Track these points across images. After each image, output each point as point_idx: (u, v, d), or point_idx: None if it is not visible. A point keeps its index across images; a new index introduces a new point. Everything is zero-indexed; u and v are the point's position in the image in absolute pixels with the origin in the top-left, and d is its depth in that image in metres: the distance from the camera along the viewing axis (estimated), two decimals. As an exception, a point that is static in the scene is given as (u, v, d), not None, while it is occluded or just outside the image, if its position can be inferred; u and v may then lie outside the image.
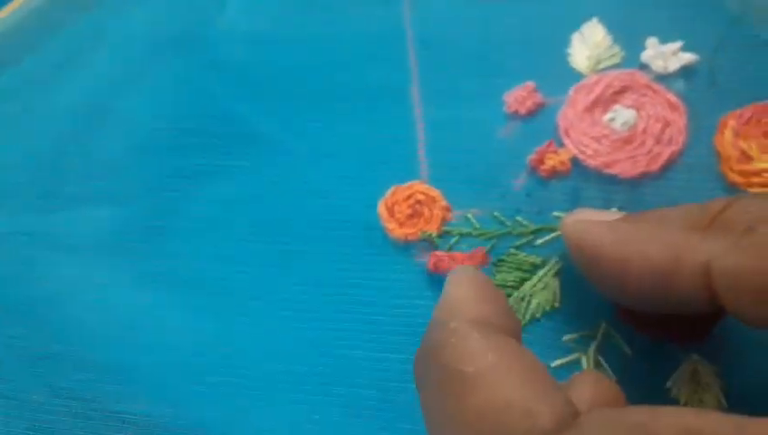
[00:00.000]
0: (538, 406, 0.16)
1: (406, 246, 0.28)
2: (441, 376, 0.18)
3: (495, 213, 0.27)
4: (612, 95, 0.29)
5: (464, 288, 0.20)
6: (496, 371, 0.17)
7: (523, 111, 0.29)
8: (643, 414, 0.15)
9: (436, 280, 0.26)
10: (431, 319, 0.20)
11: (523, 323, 0.25)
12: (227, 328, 0.27)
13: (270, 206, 0.29)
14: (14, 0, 0.32)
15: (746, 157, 0.27)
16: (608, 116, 0.28)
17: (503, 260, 0.27)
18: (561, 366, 0.25)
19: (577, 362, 0.25)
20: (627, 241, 0.20)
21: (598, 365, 0.24)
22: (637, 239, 0.20)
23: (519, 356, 0.18)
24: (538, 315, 0.26)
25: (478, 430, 0.16)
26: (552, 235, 0.27)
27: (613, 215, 0.22)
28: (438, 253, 0.27)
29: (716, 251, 0.19)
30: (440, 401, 0.17)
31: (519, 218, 0.27)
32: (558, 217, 0.27)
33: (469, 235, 0.27)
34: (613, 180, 0.27)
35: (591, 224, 0.22)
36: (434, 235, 0.27)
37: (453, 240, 0.27)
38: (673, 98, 0.28)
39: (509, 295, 0.26)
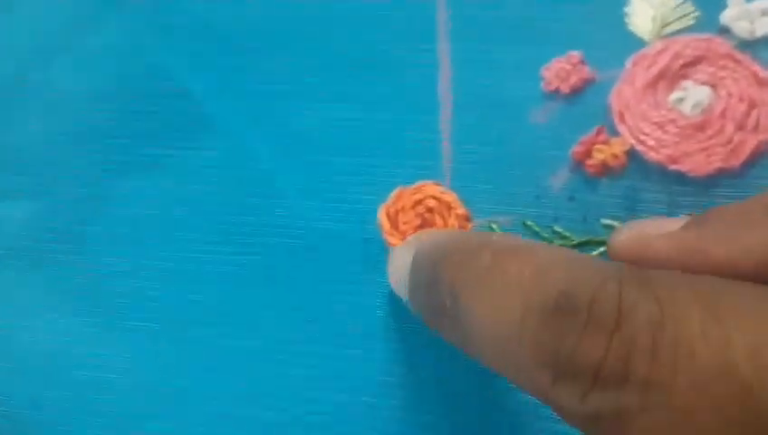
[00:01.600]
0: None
1: (412, 266, 0.25)
2: (463, 266, 0.18)
3: (528, 221, 0.25)
4: (682, 68, 0.26)
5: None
6: (529, 243, 0.19)
7: (565, 88, 0.26)
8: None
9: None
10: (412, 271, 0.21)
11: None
12: (173, 364, 0.25)
13: (232, 208, 0.26)
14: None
15: None
16: (675, 95, 0.26)
17: (536, 282, 0.24)
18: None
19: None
20: (698, 253, 0.18)
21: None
22: (711, 248, 0.18)
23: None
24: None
25: (533, 289, 0.16)
26: (601, 249, 0.24)
27: (677, 222, 0.20)
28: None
29: None
30: (477, 285, 0.18)
31: (558, 228, 0.25)
32: (609, 227, 0.24)
33: (494, 249, 0.25)
34: (681, 180, 0.25)
35: (649, 239, 0.19)
36: (448, 250, 0.25)
37: (473, 257, 0.25)
38: (762, 71, 0.26)
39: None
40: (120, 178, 0.27)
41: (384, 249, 0.25)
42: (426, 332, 0.22)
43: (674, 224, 0.20)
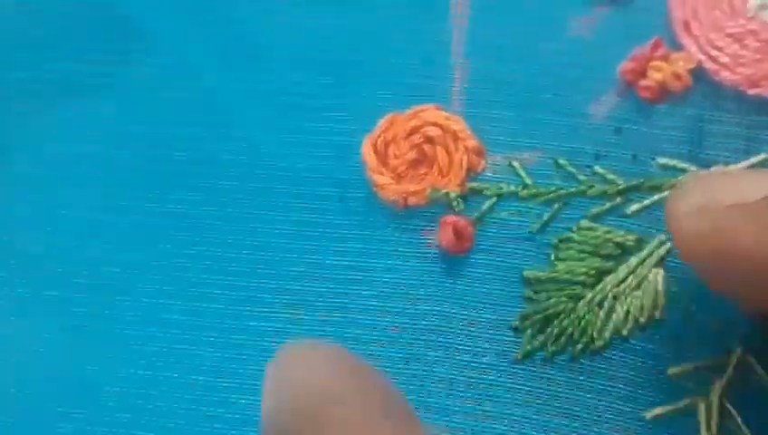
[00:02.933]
0: None
1: (406, 215, 0.22)
2: None
3: (561, 160, 0.22)
4: (766, -36, 0.23)
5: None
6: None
7: (614, -12, 0.24)
8: None
9: (454, 265, 0.21)
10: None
11: (600, 342, 0.21)
12: (102, 348, 0.22)
13: (171, 141, 0.23)
14: None
15: None
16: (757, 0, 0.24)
17: (570, 238, 0.22)
18: (664, 417, 0.20)
19: (689, 412, 0.20)
20: None
21: (726, 417, 0.20)
22: None
23: None
24: (625, 332, 0.21)
25: None
26: (657, 196, 0.22)
27: (755, 180, 0.18)
28: (453, 218, 0.21)
29: None
30: None
31: (600, 169, 0.22)
32: (667, 168, 0.22)
33: (515, 195, 0.22)
34: (762, 108, 0.22)
35: (721, 212, 0.18)
36: (454, 195, 0.22)
37: (486, 204, 0.22)
38: None
39: (578, 297, 0.21)
40: (35, 104, 0.24)
41: (368, 194, 0.21)
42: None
43: (752, 183, 0.18)
